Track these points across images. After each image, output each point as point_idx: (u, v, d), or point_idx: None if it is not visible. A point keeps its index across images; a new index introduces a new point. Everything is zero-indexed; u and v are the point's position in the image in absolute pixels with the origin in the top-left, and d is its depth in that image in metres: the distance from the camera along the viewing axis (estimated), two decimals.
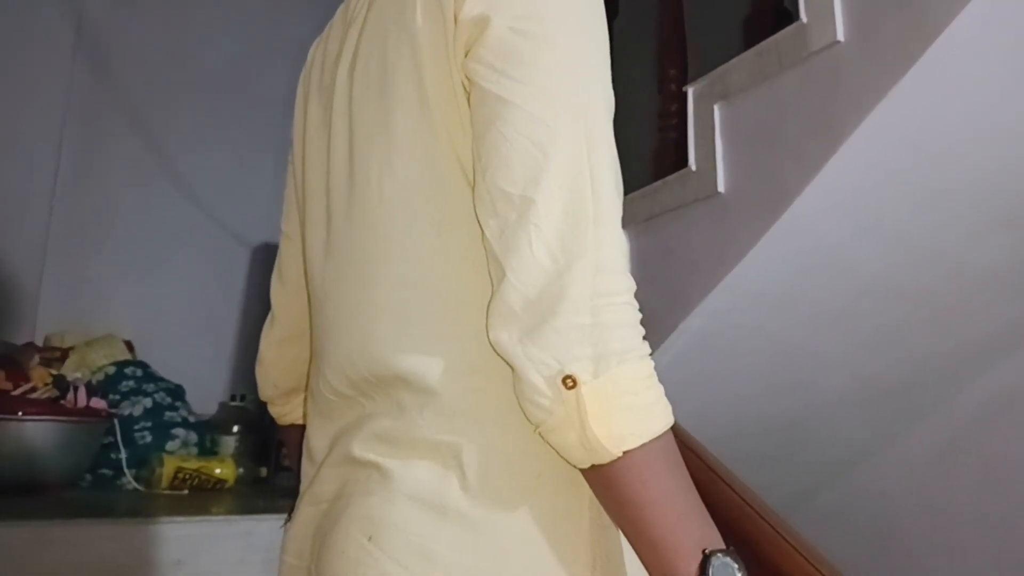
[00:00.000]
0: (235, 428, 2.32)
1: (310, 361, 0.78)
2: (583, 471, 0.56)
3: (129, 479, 2.02)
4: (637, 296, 0.52)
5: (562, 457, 0.56)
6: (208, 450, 2.25)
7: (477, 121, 0.60)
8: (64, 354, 2.26)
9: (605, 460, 0.54)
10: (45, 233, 2.59)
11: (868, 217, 1.44)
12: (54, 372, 2.06)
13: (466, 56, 0.61)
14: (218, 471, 2.06)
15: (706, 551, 0.53)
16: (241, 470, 2.11)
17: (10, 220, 2.53)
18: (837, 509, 1.98)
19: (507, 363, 0.56)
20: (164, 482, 1.99)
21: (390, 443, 0.62)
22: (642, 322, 0.58)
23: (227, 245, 2.79)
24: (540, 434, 0.55)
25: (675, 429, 1.36)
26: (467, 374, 0.61)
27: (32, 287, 2.52)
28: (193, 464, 2.04)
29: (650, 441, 0.54)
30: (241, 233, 2.77)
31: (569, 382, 0.53)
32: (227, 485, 2.07)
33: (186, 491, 2.00)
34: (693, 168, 1.55)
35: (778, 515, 1.14)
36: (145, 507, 1.86)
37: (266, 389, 0.92)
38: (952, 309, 1.65)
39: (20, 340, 2.26)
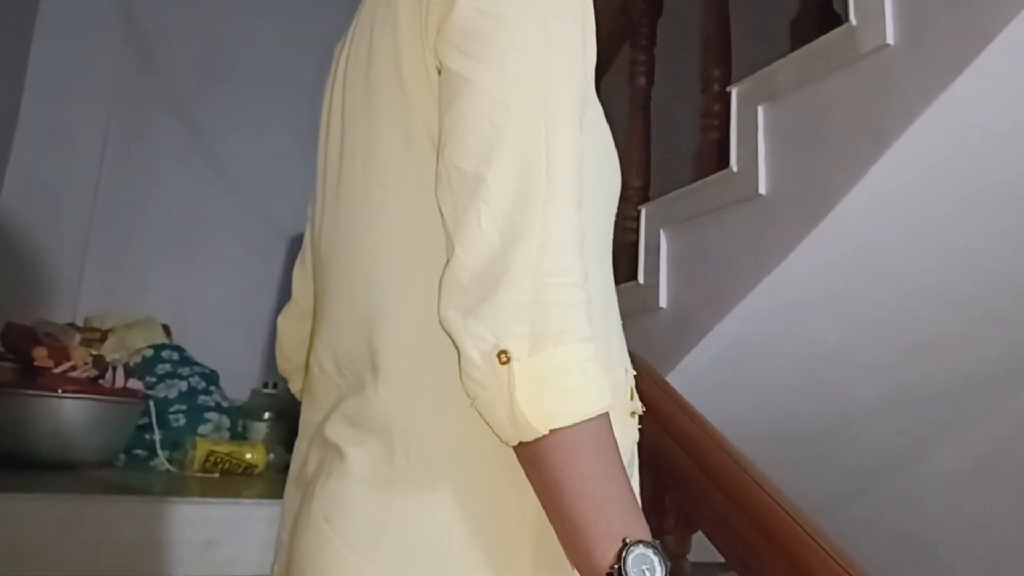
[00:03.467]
0: (266, 415, 2.35)
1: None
2: (514, 449, 0.56)
3: (162, 460, 2.05)
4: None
5: (495, 434, 0.56)
6: (239, 435, 2.29)
7: (442, 100, 0.61)
8: (103, 335, 2.30)
9: (531, 437, 0.54)
10: (89, 217, 2.65)
11: (913, 223, 1.42)
12: (94, 352, 2.10)
13: (437, 38, 0.62)
14: (249, 456, 2.08)
15: (626, 540, 0.53)
16: (271, 456, 2.13)
17: (55, 204, 2.59)
18: (872, 518, 1.95)
19: (449, 337, 0.56)
20: (196, 464, 2.01)
21: (351, 424, 0.64)
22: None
23: (265, 235, 2.83)
24: (475, 409, 0.56)
25: (708, 430, 1.34)
26: (417, 352, 0.62)
27: (74, 269, 2.58)
28: (225, 448, 2.07)
29: (580, 423, 0.54)
30: (279, 224, 2.80)
31: (503, 357, 0.53)
32: (257, 470, 2.09)
33: (217, 474, 2.03)
34: (735, 169, 1.53)
35: (812, 519, 1.13)
36: (177, 488, 1.89)
37: (281, 363, 0.95)
38: (995, 319, 1.62)
39: (62, 320, 2.30)
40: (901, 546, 1.92)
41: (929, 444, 1.92)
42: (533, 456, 0.55)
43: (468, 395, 0.56)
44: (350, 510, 0.61)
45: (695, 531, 1.33)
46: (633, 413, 0.73)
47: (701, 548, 1.35)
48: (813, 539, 1.08)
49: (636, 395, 0.75)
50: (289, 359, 0.93)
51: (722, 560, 1.27)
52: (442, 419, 0.61)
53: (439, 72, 0.62)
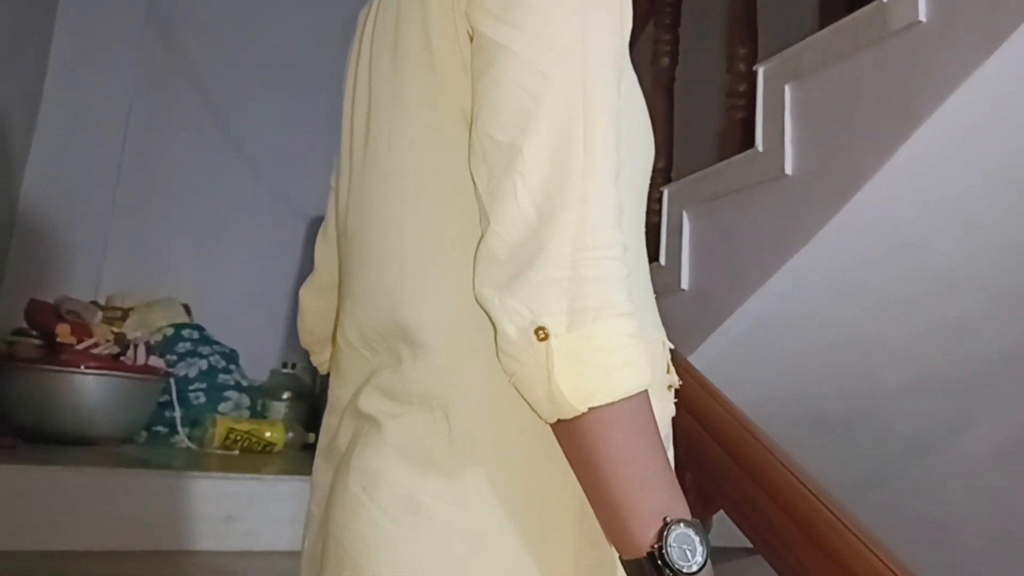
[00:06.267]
0: (285, 394, 2.37)
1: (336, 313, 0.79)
2: (552, 427, 0.55)
3: (182, 437, 2.07)
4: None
5: (533, 411, 0.55)
6: (259, 414, 2.30)
7: (475, 68, 0.59)
8: (125, 314, 2.33)
9: (570, 415, 0.52)
10: (112, 197, 2.67)
11: (941, 204, 1.40)
12: (116, 330, 2.12)
13: (469, 3, 0.60)
14: (268, 434, 2.10)
15: (667, 519, 0.52)
16: (290, 434, 2.15)
17: (79, 184, 2.62)
18: (894, 503, 1.93)
19: (485, 313, 0.55)
20: (216, 442, 2.03)
21: (388, 396, 0.63)
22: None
23: (285, 217, 2.84)
24: (513, 385, 0.54)
25: (729, 409, 1.33)
26: (458, 328, 0.60)
27: (97, 248, 2.60)
28: (244, 426, 2.09)
29: (619, 400, 0.52)
30: (299, 205, 2.81)
31: (541, 334, 0.52)
32: (276, 448, 2.11)
33: (236, 451, 2.05)
34: (760, 149, 1.51)
35: (835, 498, 1.12)
36: (197, 463, 1.91)
37: (304, 336, 0.94)
38: (1021, 302, 1.59)
39: (84, 298, 2.32)
40: (922, 532, 1.90)
41: (952, 429, 1.89)
42: (571, 434, 0.54)
43: (506, 372, 0.54)
44: (388, 480, 0.60)
45: (716, 511, 1.32)
46: (670, 387, 0.71)
47: (722, 532, 1.34)
48: (837, 518, 1.07)
49: (672, 368, 0.73)
50: (311, 331, 0.92)
51: (744, 545, 1.27)
52: (483, 395, 0.59)
53: (471, 39, 0.60)
